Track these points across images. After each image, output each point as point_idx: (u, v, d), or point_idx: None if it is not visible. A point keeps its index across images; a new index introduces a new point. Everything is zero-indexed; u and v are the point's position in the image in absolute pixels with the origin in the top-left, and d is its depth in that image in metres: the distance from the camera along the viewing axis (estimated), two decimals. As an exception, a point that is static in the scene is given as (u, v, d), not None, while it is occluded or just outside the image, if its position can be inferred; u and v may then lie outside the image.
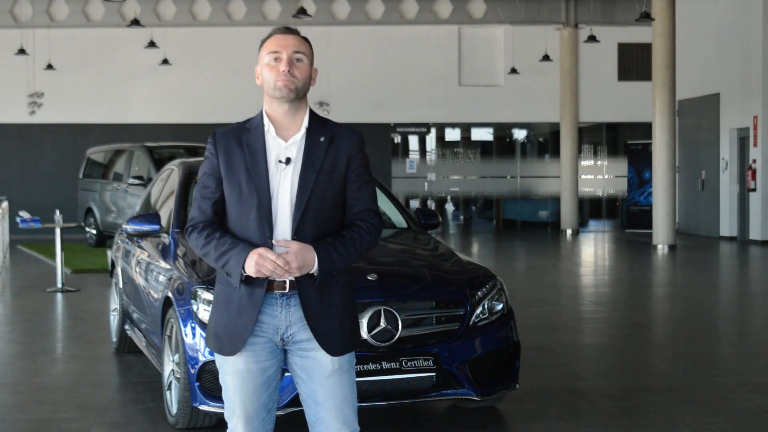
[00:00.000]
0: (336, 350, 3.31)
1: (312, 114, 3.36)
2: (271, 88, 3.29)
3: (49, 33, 21.70)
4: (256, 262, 3.16)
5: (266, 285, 3.25)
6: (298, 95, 3.29)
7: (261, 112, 3.36)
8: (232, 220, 3.33)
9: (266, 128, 3.31)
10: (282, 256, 3.16)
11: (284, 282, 3.26)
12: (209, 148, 3.35)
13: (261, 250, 3.18)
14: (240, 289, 3.25)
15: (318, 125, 3.35)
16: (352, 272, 3.47)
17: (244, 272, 3.20)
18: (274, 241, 3.22)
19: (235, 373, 3.31)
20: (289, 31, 3.34)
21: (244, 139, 3.32)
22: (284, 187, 3.26)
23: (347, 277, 3.40)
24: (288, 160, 3.27)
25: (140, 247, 6.95)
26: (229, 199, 3.32)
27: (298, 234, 3.24)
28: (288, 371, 3.42)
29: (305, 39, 3.36)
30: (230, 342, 3.29)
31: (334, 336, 3.31)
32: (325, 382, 3.31)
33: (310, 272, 3.23)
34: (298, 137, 3.31)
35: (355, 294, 3.49)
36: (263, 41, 3.36)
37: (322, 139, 3.32)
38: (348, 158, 3.34)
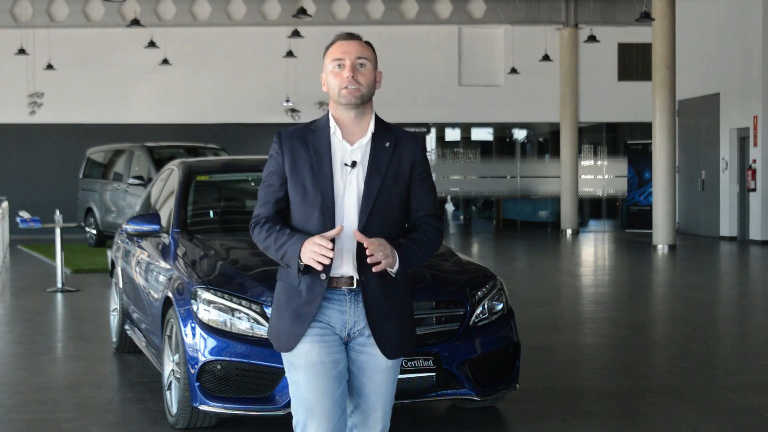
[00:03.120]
0: (392, 354, 3.36)
1: (377, 119, 3.41)
2: (336, 94, 3.34)
3: (49, 33, 21.68)
4: (303, 247, 3.20)
5: (327, 281, 3.28)
6: (363, 101, 3.34)
7: (326, 115, 3.41)
8: (295, 219, 3.38)
9: (332, 131, 3.36)
10: (324, 236, 3.18)
11: (351, 278, 3.30)
12: (274, 147, 3.41)
13: (314, 237, 3.21)
14: (300, 285, 3.29)
15: (383, 130, 3.40)
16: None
17: (302, 262, 3.24)
18: (354, 232, 3.23)
19: (307, 366, 3.30)
20: (350, 36, 3.39)
21: (309, 141, 3.36)
22: (351, 190, 3.30)
23: (408, 280, 3.43)
24: (354, 164, 3.32)
25: (140, 247, 6.95)
26: (293, 198, 3.37)
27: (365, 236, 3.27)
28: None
29: (368, 43, 3.40)
30: (287, 338, 3.32)
31: (393, 339, 3.35)
32: (374, 377, 3.37)
33: (391, 271, 3.26)
34: (364, 141, 3.36)
35: (411, 297, 3.52)
36: (327, 48, 3.40)
37: (387, 144, 3.37)
38: (412, 163, 3.40)
